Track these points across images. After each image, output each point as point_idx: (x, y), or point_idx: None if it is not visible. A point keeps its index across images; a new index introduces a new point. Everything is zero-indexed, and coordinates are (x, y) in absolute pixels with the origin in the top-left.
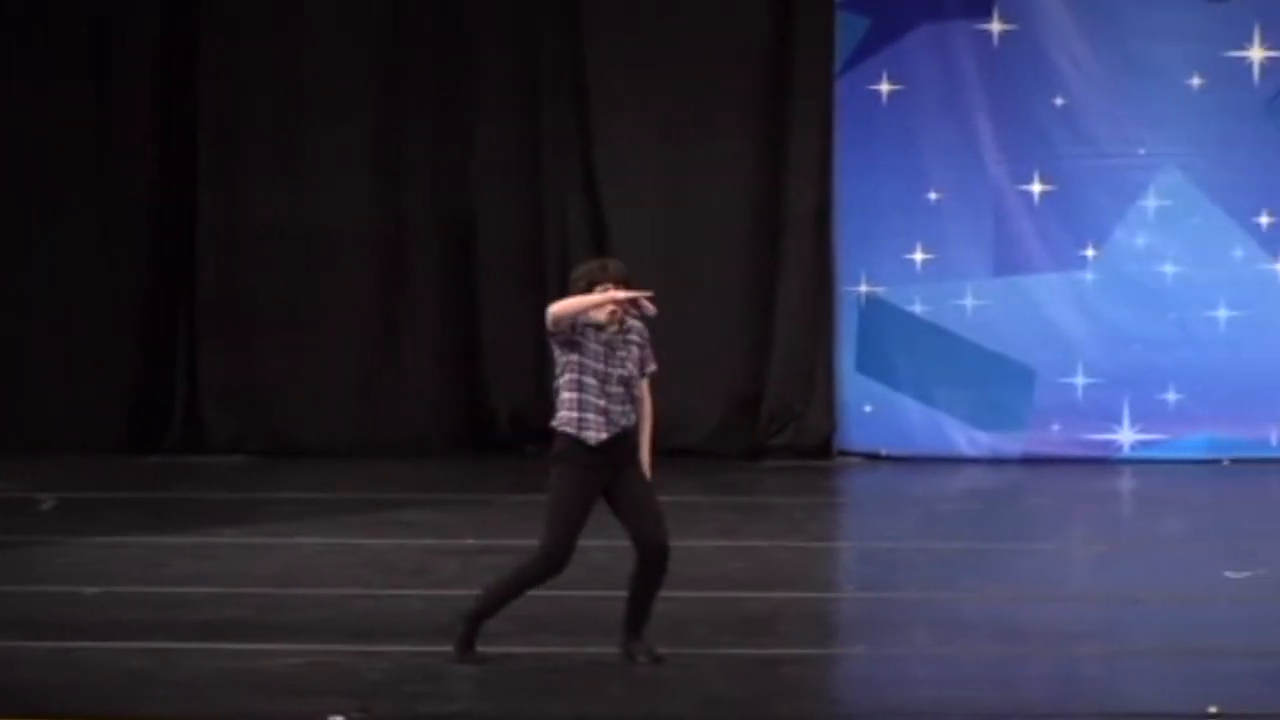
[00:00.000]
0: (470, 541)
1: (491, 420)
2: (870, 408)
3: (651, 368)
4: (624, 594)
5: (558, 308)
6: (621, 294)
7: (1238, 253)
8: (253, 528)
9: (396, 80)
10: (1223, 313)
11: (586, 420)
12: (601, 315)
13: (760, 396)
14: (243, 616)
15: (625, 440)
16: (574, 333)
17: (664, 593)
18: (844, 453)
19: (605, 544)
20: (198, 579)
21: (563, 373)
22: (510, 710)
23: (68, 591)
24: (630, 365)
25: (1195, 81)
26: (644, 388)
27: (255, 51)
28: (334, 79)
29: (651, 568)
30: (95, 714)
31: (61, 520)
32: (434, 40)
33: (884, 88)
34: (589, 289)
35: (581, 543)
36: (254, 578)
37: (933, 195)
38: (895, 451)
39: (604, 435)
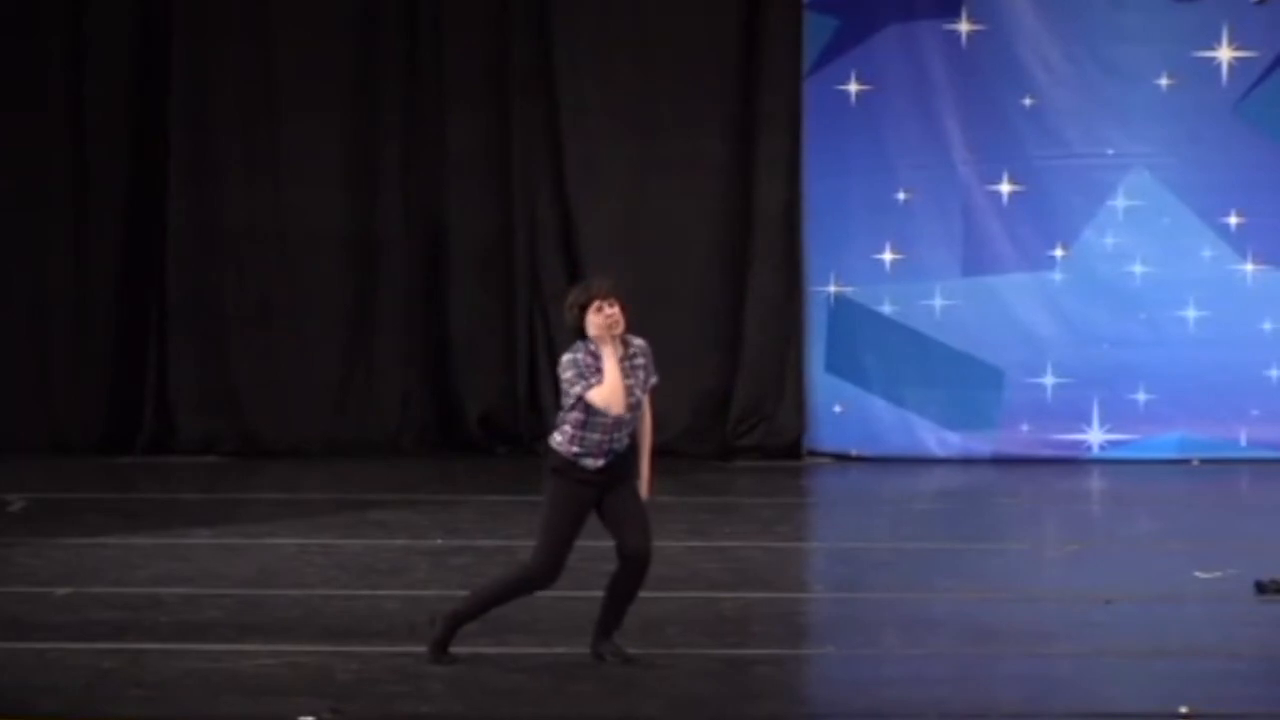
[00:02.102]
0: (440, 542)
1: (462, 421)
2: (840, 408)
3: (654, 380)
4: (594, 595)
5: (607, 399)
6: (605, 322)
7: (1207, 253)
8: (225, 528)
9: (367, 82)
10: (1192, 313)
11: (585, 452)
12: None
13: (730, 397)
14: (215, 617)
15: (621, 461)
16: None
17: None
18: (814, 453)
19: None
20: (170, 580)
21: (572, 407)
22: (482, 711)
23: (39, 592)
24: (638, 391)
25: (1164, 82)
26: (645, 400)
27: (227, 53)
28: (305, 81)
29: (632, 576)
30: (67, 715)
31: (33, 521)
32: (404, 41)
33: (853, 88)
34: (583, 313)
35: None
36: (226, 578)
37: (902, 195)
38: (865, 452)
39: (600, 463)
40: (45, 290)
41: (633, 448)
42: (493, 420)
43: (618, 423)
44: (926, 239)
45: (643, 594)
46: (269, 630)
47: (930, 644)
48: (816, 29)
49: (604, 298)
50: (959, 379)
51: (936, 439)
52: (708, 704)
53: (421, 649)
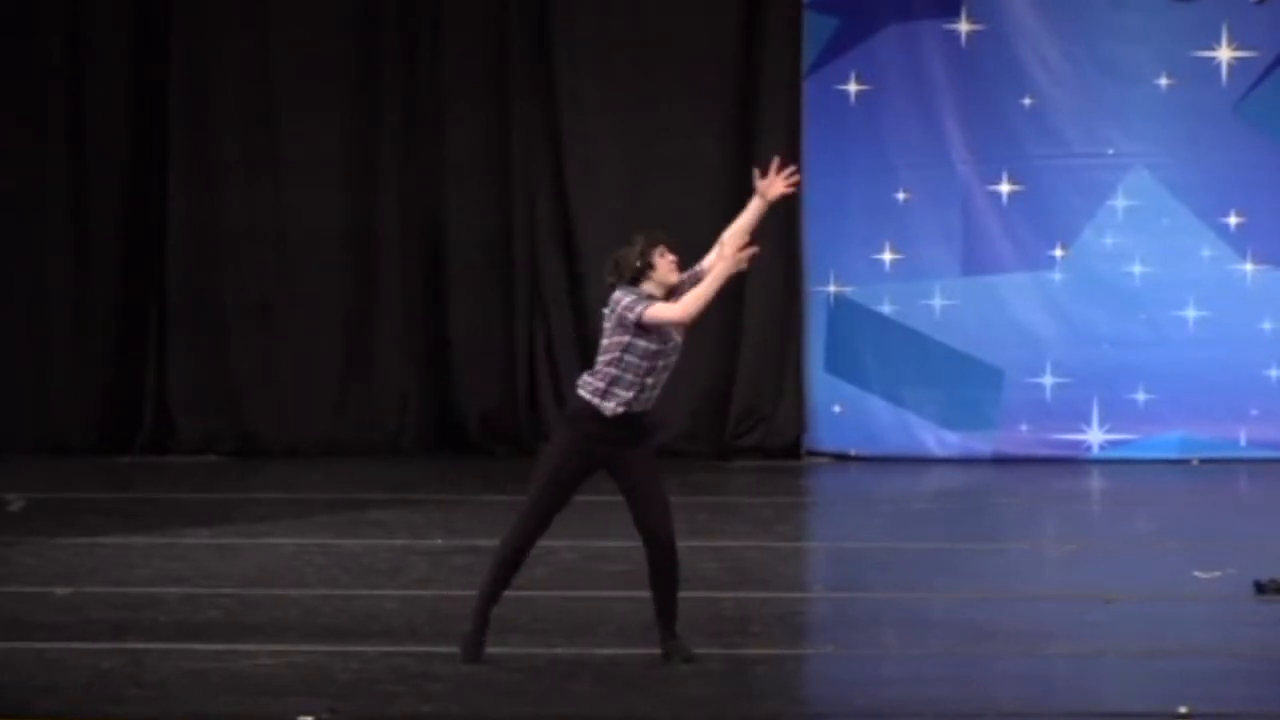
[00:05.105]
0: (440, 542)
1: (461, 421)
2: (839, 408)
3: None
4: (593, 595)
5: (694, 307)
6: (745, 253)
7: (1206, 253)
8: (224, 528)
9: (366, 81)
10: (1191, 313)
11: (613, 393)
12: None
13: (729, 397)
14: (214, 617)
15: (639, 420)
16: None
17: (633, 592)
18: (813, 453)
19: (573, 544)
20: (169, 579)
21: (609, 350)
22: (482, 711)
23: (39, 592)
24: (677, 336)
25: (1164, 82)
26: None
27: (226, 53)
28: (305, 80)
29: (660, 563)
30: (67, 715)
31: (32, 521)
32: (404, 41)
33: (852, 88)
34: (650, 255)
35: (549, 544)
36: (226, 578)
37: (901, 195)
38: (864, 452)
39: (621, 410)
40: (45, 290)
41: (648, 417)
42: (492, 420)
43: (652, 368)
44: (926, 239)
45: (641, 593)
46: (268, 630)
47: (929, 644)
48: (816, 29)
49: (670, 245)
50: (958, 379)
51: (936, 439)
52: (707, 704)
53: (421, 649)
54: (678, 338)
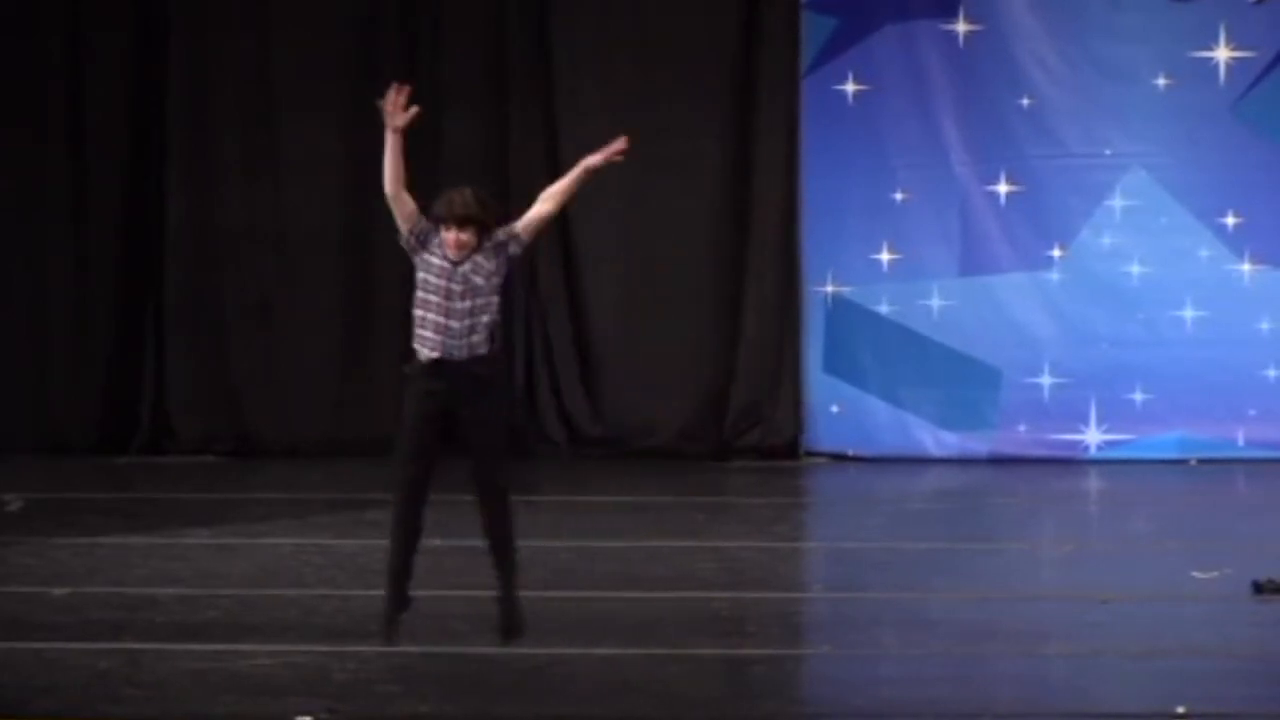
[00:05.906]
0: (437, 542)
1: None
2: (837, 408)
3: (515, 225)
4: (591, 595)
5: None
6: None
7: (1204, 253)
8: (222, 528)
9: (366, 81)
10: (1189, 313)
11: (424, 337)
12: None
13: (727, 397)
14: (212, 617)
15: (465, 369)
16: (416, 241)
17: (630, 592)
18: (811, 453)
19: (570, 545)
20: (168, 579)
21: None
22: (479, 711)
23: (36, 592)
24: (477, 278)
25: (1162, 82)
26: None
27: (226, 53)
28: (305, 80)
29: (487, 505)
30: (64, 715)
31: (32, 521)
32: (404, 41)
33: (850, 88)
34: (435, 224)
35: (546, 544)
36: (224, 578)
37: (899, 195)
38: (862, 452)
39: (436, 354)
40: (44, 290)
41: (479, 377)
42: None
43: (447, 309)
44: (924, 239)
45: (638, 593)
46: (266, 630)
47: (927, 644)
48: (814, 28)
49: (459, 225)
50: (956, 379)
51: (934, 439)
52: (704, 704)
53: (418, 649)
54: (476, 278)
